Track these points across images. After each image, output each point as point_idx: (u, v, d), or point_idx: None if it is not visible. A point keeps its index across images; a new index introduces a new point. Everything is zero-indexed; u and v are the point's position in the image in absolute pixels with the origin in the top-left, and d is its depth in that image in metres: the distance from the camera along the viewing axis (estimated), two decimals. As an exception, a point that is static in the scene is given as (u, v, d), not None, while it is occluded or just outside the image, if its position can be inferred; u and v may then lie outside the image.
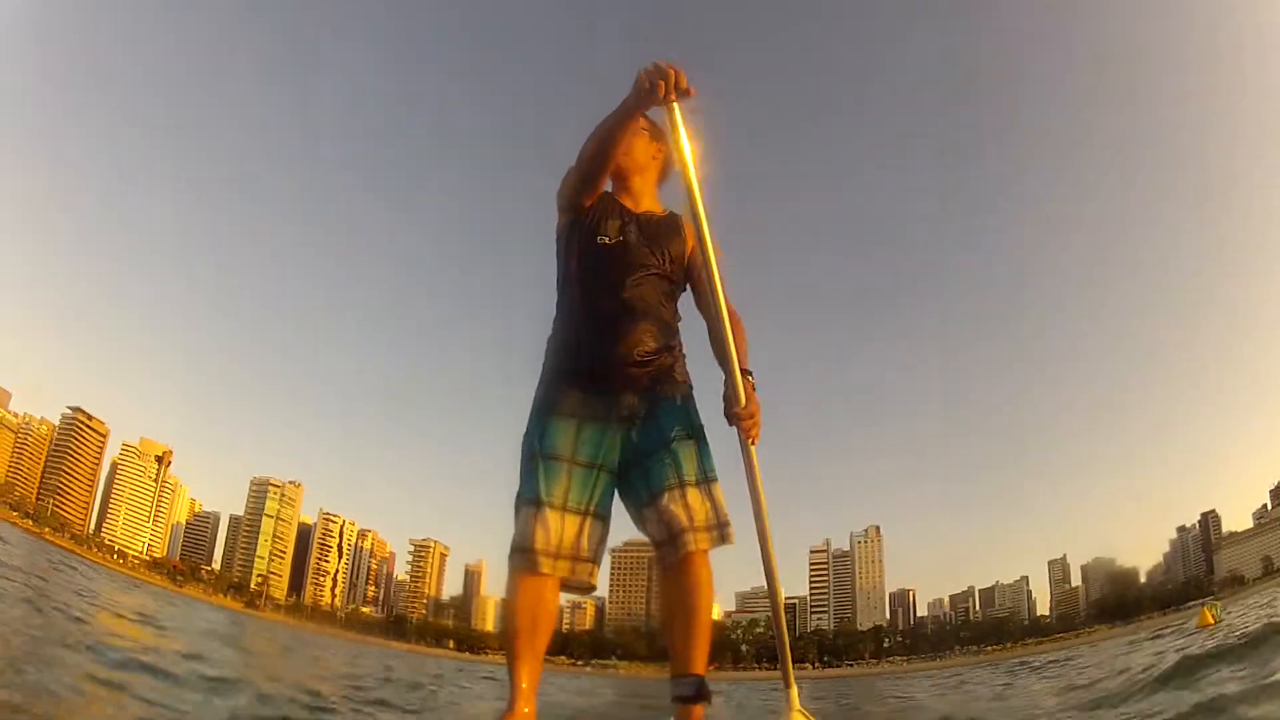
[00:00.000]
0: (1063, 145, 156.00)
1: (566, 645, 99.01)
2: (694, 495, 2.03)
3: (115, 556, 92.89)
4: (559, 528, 2.01)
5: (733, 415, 2.01)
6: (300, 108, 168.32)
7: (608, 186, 2.28)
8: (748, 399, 2.02)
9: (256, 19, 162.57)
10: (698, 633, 2.00)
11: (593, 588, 2.09)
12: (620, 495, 2.15)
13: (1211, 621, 14.16)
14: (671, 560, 2.01)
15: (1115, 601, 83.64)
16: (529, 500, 2.03)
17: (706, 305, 2.16)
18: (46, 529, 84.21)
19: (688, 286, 2.30)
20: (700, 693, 1.96)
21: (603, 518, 2.10)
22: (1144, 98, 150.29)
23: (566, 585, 2.06)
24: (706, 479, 2.08)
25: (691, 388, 2.23)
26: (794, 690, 2.04)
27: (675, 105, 1.92)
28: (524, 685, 1.92)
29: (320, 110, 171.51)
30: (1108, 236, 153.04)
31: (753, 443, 1.99)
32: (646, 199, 2.31)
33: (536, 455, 2.08)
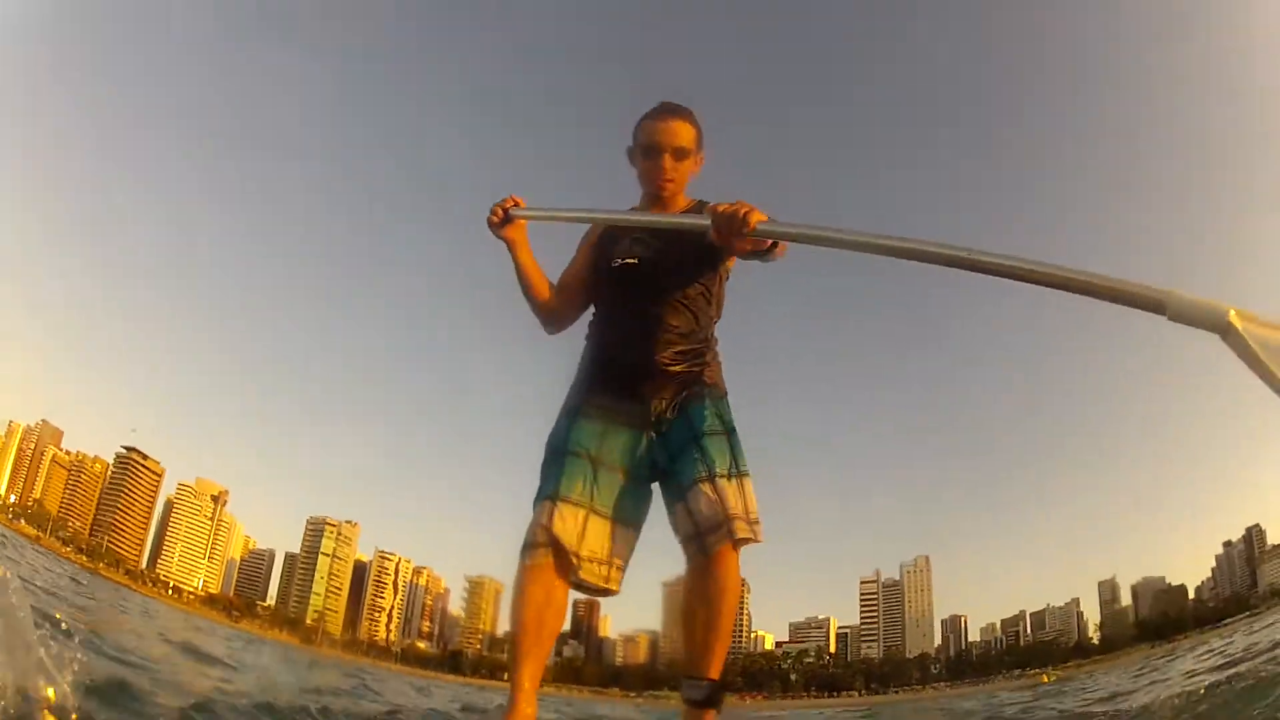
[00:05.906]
0: (1083, 141, 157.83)
1: (620, 677, 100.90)
2: (725, 487, 1.95)
3: (171, 592, 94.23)
4: (576, 525, 1.95)
5: (717, 216, 1.75)
6: (364, 159, 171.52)
7: (635, 202, 2.29)
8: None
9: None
10: (718, 635, 1.90)
11: (611, 592, 2.01)
12: (662, 498, 2.10)
13: (1046, 682, 19.06)
14: (700, 558, 1.92)
15: (1159, 620, 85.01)
16: (546, 496, 1.99)
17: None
18: (100, 564, 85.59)
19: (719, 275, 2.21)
20: (711, 698, 1.90)
21: (625, 522, 2.04)
22: (1155, 84, 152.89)
23: (582, 586, 1.99)
24: (739, 472, 2.01)
25: (725, 393, 2.18)
26: None
27: (514, 219, 2.14)
28: (526, 685, 1.84)
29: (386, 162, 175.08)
30: (1146, 242, 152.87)
31: (750, 228, 1.69)
32: (677, 205, 2.24)
33: (558, 453, 2.07)
